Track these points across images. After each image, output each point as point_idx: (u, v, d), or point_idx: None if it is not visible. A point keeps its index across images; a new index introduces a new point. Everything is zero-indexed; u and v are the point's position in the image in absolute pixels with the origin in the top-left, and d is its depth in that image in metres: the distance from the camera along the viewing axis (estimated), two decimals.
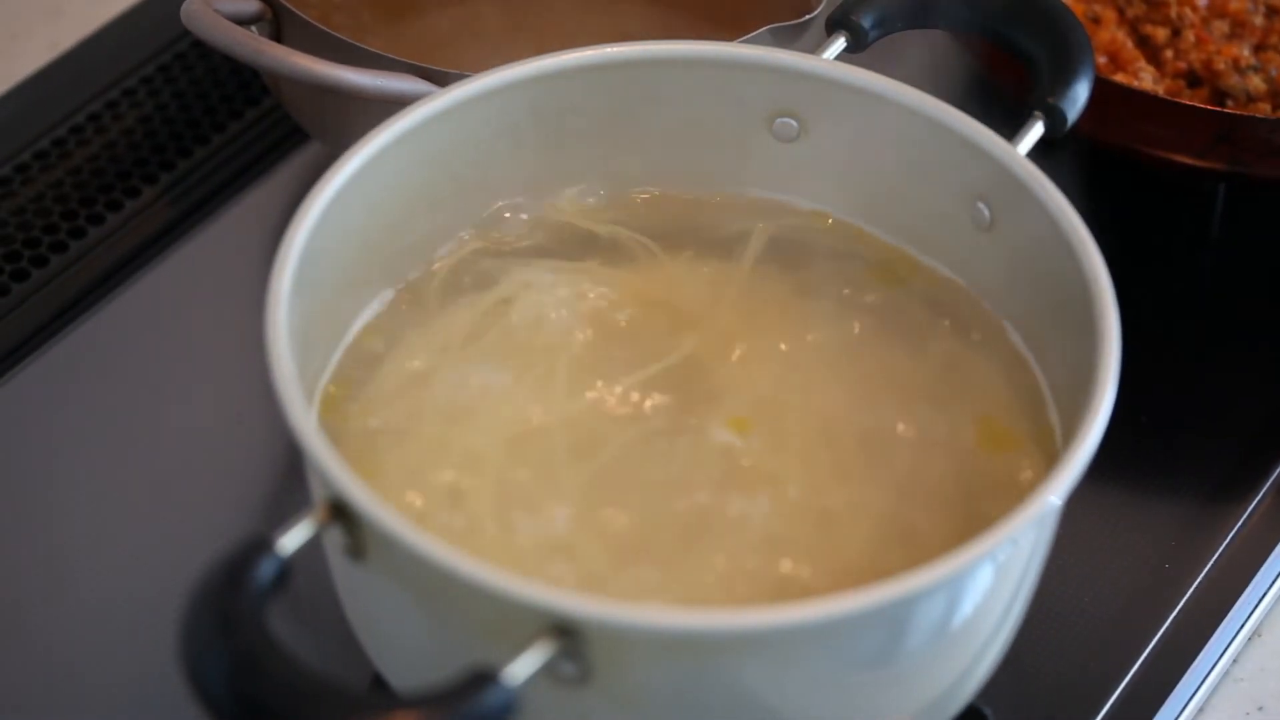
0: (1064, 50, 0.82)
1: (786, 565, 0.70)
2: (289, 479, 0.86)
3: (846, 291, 0.80)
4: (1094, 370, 0.69)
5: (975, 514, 0.72)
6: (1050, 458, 0.73)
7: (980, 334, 0.79)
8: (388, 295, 0.79)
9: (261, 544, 0.63)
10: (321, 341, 0.76)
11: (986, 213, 0.78)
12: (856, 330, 0.79)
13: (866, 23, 0.83)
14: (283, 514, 0.65)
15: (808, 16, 0.91)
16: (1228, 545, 0.87)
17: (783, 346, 0.78)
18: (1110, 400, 0.68)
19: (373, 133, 0.75)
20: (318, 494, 0.68)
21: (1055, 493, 0.66)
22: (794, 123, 0.81)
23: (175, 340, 0.95)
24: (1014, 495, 0.70)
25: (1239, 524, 0.88)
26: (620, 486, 0.72)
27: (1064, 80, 0.81)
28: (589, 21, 1.00)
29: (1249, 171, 0.93)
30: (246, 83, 1.06)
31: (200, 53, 1.07)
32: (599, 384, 0.76)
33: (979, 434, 0.75)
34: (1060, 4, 0.83)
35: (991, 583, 0.68)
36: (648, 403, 0.75)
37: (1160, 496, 0.90)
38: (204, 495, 0.87)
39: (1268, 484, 0.90)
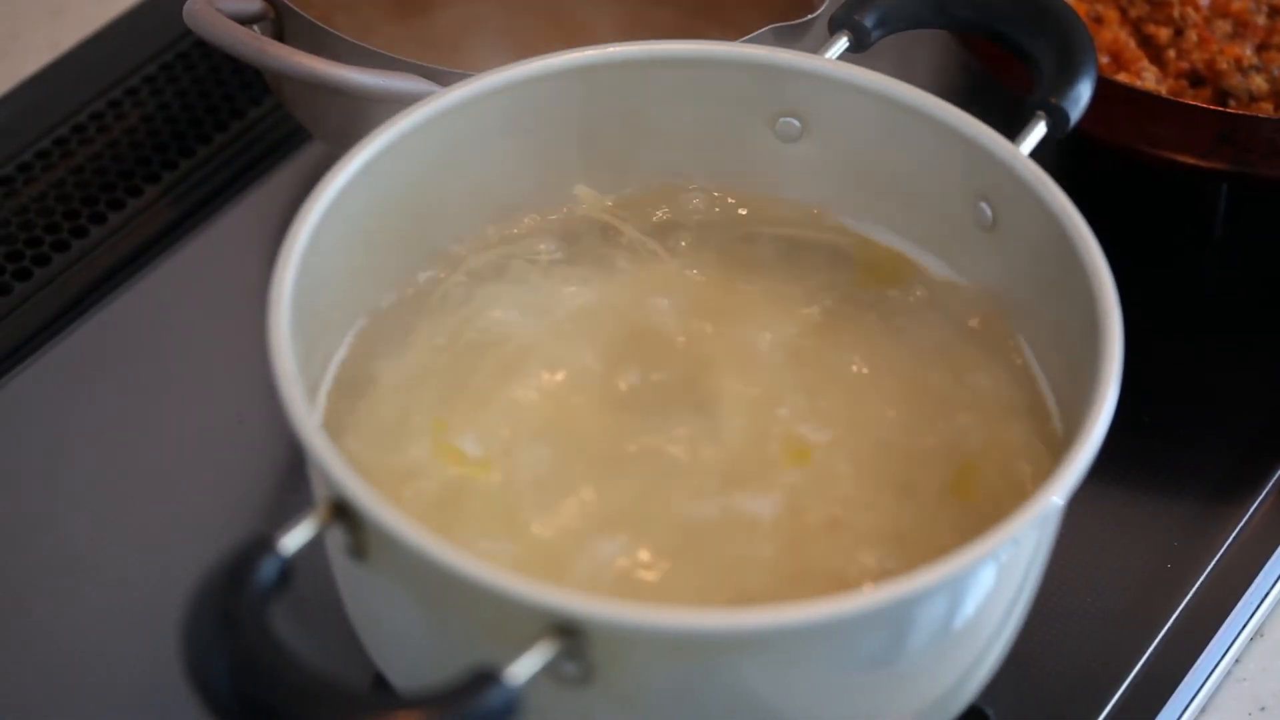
0: (1067, 50, 0.82)
1: (790, 565, 0.70)
2: (291, 479, 0.86)
3: (848, 291, 0.80)
4: (1096, 370, 0.69)
5: (977, 514, 0.72)
6: (1053, 457, 0.73)
7: (982, 333, 0.79)
8: (389, 294, 0.79)
9: (263, 544, 0.63)
10: (323, 341, 0.76)
11: (989, 212, 0.78)
12: (858, 330, 0.79)
13: (869, 22, 0.83)
14: (285, 514, 0.65)
15: (810, 16, 0.91)
16: (1230, 545, 0.87)
17: (783, 345, 0.78)
18: (1113, 400, 0.68)
19: (375, 132, 0.75)
20: (320, 494, 0.68)
21: (1058, 493, 0.66)
22: (796, 122, 0.81)
23: (178, 339, 0.95)
24: (1016, 495, 0.70)
25: (1241, 523, 0.88)
26: (622, 487, 0.72)
27: (1066, 80, 0.80)
28: (592, 21, 1.00)
29: (1251, 172, 0.93)
30: (248, 82, 1.06)
31: (202, 52, 1.07)
32: (599, 383, 0.76)
33: (979, 433, 0.75)
34: (1063, 4, 0.83)
35: (994, 583, 0.68)
36: (648, 402, 0.75)
37: (1163, 496, 0.90)
38: (205, 495, 0.87)
39: (1270, 484, 0.90)
